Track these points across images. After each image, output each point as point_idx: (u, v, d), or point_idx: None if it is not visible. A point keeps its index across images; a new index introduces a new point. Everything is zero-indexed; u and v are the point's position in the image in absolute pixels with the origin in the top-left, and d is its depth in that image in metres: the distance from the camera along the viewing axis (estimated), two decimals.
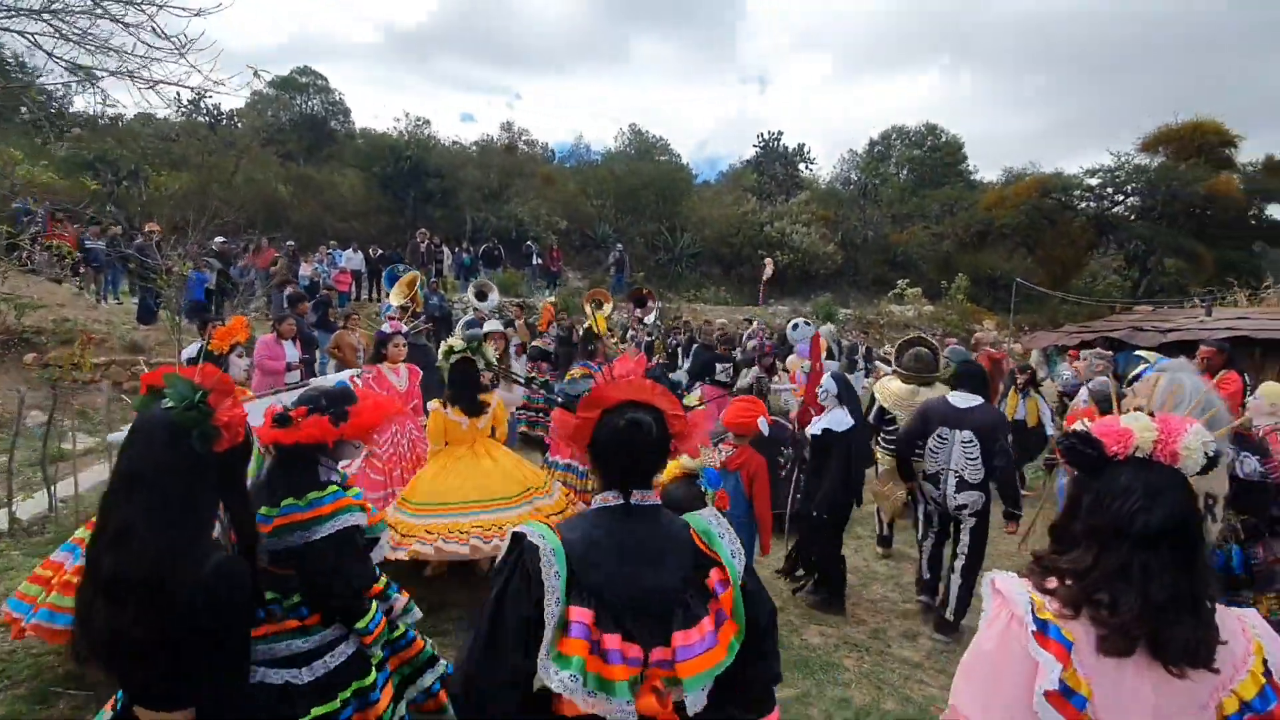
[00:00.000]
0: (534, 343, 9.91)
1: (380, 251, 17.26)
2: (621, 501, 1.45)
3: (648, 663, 1.33)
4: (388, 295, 10.73)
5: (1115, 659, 1.23)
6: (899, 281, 19.86)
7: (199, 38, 4.49)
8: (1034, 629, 1.26)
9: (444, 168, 22.55)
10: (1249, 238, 19.34)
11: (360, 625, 2.14)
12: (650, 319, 14.14)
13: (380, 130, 25.57)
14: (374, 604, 2.23)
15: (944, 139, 29.63)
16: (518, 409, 6.56)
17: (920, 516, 4.36)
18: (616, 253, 18.71)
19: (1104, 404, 6.37)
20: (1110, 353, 9.62)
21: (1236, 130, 19.13)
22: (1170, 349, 12.08)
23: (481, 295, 13.79)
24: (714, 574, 1.40)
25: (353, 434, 2.31)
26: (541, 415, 7.59)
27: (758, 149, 28.01)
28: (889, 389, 5.16)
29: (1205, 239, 18.80)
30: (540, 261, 18.49)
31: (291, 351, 6.71)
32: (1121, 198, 19.22)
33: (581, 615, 1.32)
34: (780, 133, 27.32)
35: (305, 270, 14.33)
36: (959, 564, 4.00)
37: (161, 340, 9.75)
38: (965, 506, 3.97)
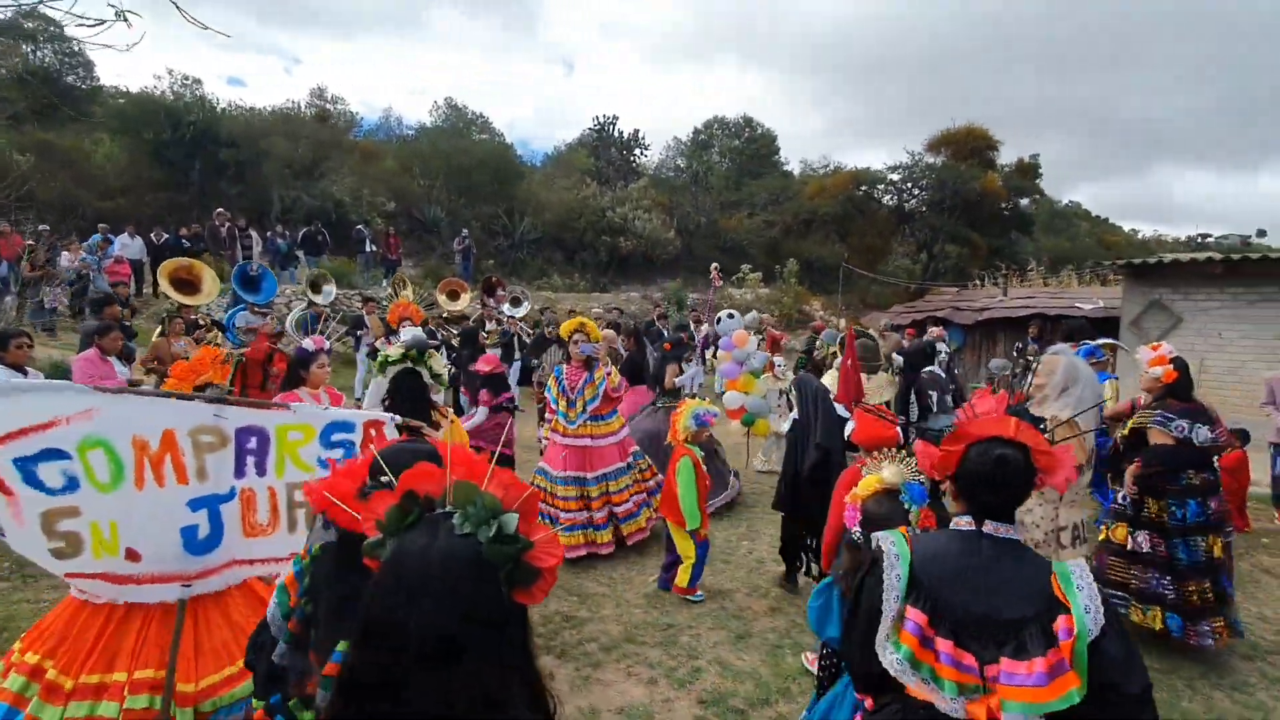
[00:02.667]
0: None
1: (165, 236, 14.39)
2: (974, 528, 1.58)
3: (984, 675, 1.44)
4: (238, 299, 8.86)
5: None
6: (742, 267, 20.79)
7: None
8: None
9: (239, 137, 19.28)
10: (1007, 228, 23.08)
11: None
12: (521, 310, 13.29)
13: (135, 90, 21.14)
14: None
15: (760, 131, 31.53)
16: None
17: None
18: (463, 239, 17.34)
19: (1004, 383, 7.09)
20: (941, 329, 10.74)
21: (997, 136, 22.80)
22: (984, 325, 13.98)
23: (316, 287, 12.04)
24: (1061, 620, 1.43)
25: None
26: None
27: (592, 132, 27.67)
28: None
29: (978, 229, 22.09)
30: (375, 248, 16.58)
31: (122, 369, 5.24)
32: (918, 191, 21.84)
33: (916, 616, 1.51)
34: (615, 117, 27.24)
35: (69, 260, 11.43)
36: None
37: None
38: None
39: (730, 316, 7.15)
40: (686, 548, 4.48)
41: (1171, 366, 3.86)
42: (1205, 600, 3.74)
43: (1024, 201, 23.32)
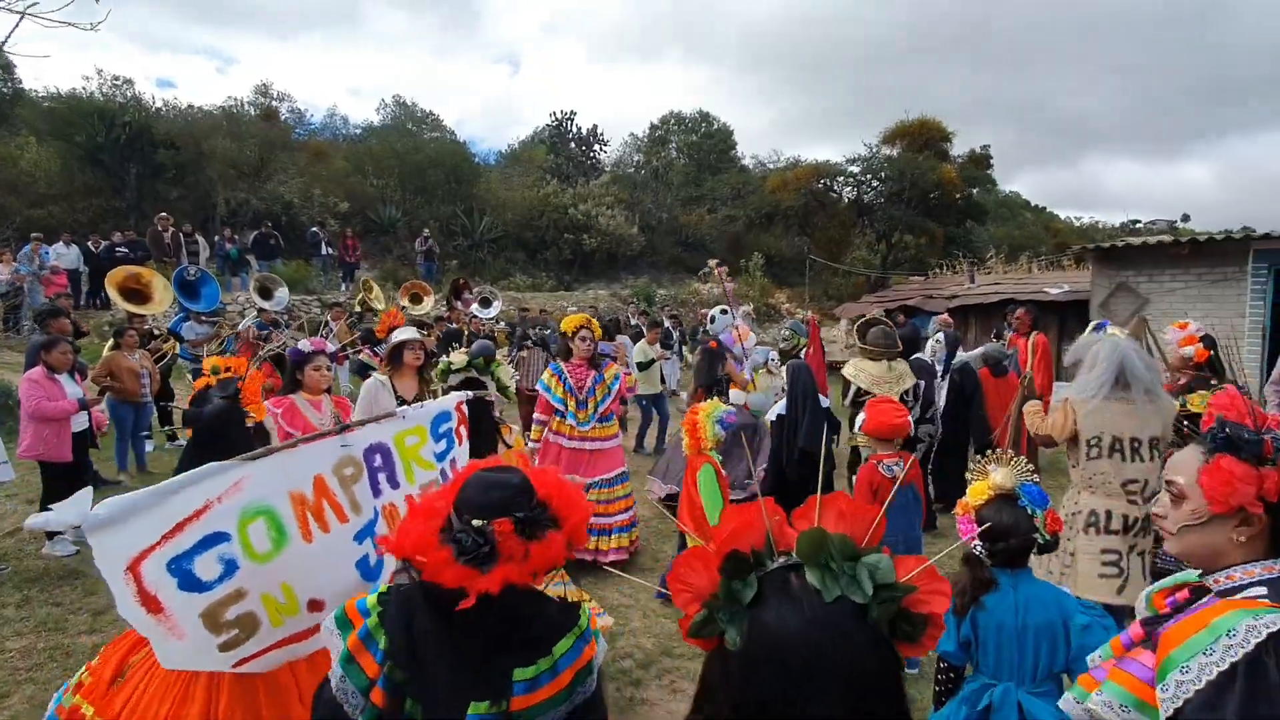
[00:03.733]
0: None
1: (104, 243, 13.50)
2: None
3: None
4: (180, 307, 8.24)
5: None
6: (709, 261, 20.71)
7: None
8: None
9: (179, 138, 18.24)
10: (962, 218, 23.64)
11: None
12: (492, 311, 12.91)
13: (62, 91, 19.78)
14: None
15: (716, 126, 31.57)
16: None
17: None
18: (424, 239, 16.76)
19: (995, 366, 7.09)
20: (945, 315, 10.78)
21: (951, 127, 23.34)
22: (956, 311, 14.20)
23: (266, 292, 11.47)
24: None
25: (577, 542, 1.46)
26: None
27: (550, 128, 27.23)
28: (866, 370, 5.07)
29: (935, 219, 22.57)
30: (331, 251, 15.88)
31: (73, 388, 4.78)
32: (876, 183, 22.16)
33: None
34: (573, 113, 26.85)
35: (1, 273, 10.55)
36: None
37: None
38: None
39: (723, 312, 6.98)
40: None
41: (1202, 345, 3.78)
42: None
43: (976, 191, 23.92)
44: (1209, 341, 3.83)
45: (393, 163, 23.02)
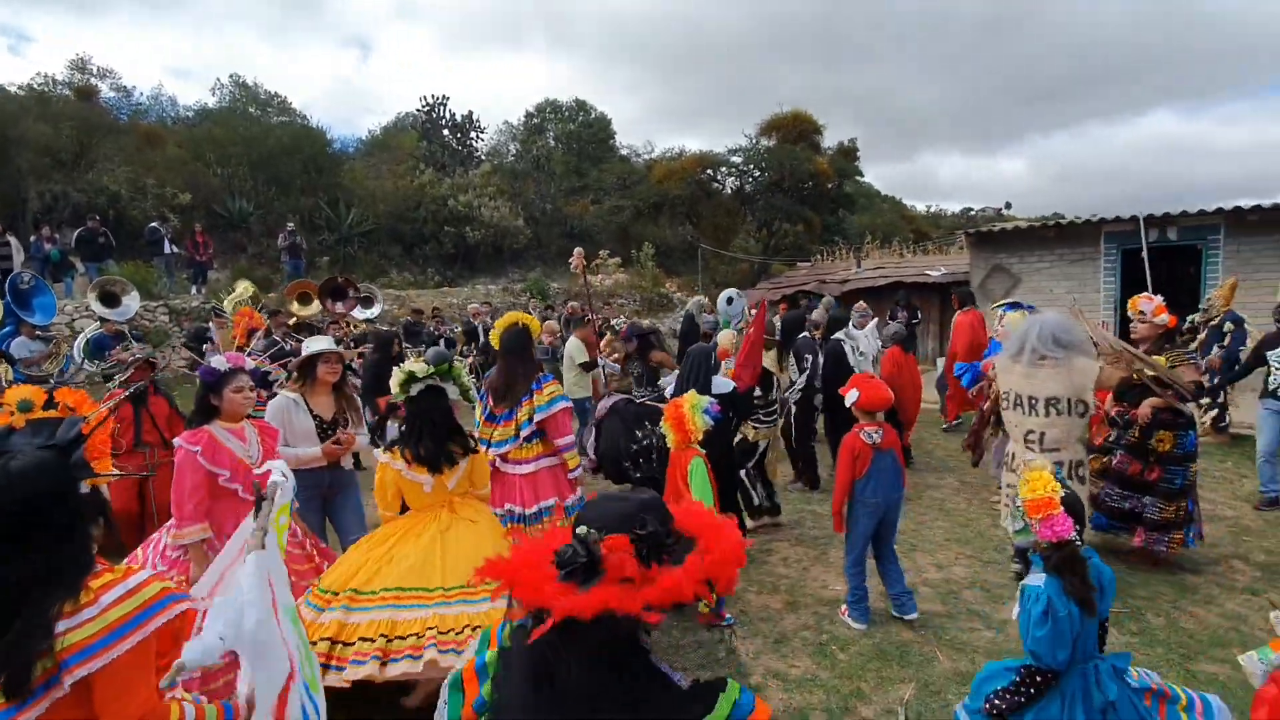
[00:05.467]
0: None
1: None
2: None
3: None
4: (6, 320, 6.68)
5: None
6: (600, 252, 20.43)
7: None
8: None
9: None
10: (835, 206, 24.99)
11: None
12: (374, 311, 11.78)
13: None
14: None
15: (594, 115, 31.17)
16: None
17: None
18: (288, 234, 15.06)
19: (905, 344, 7.38)
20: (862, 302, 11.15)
21: (821, 120, 24.54)
22: (849, 295, 14.84)
23: (111, 299, 9.77)
24: None
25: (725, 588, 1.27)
26: None
27: (421, 113, 25.57)
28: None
29: (811, 207, 23.66)
30: (176, 249, 13.84)
31: None
32: (758, 173, 22.85)
33: None
34: (446, 97, 25.32)
35: None
36: None
37: None
38: None
39: (740, 297, 6.92)
40: None
41: (1170, 314, 4.20)
42: (1177, 517, 4.21)
43: (846, 182, 25.37)
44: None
45: (239, 149, 20.60)
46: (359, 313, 11.88)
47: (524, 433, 3.61)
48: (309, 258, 17.09)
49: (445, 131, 25.28)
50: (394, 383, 2.76)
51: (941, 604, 4.09)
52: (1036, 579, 2.18)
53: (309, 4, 71.37)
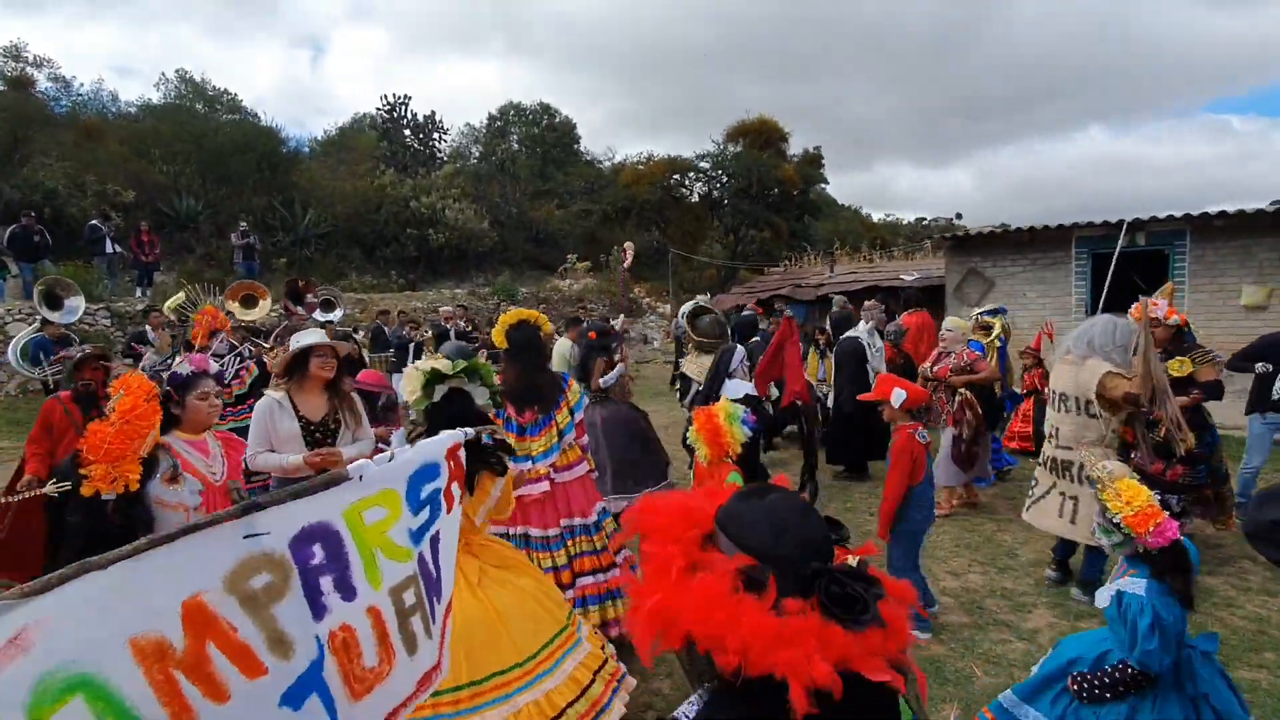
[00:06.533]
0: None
1: None
2: None
3: None
4: None
5: None
6: (569, 256, 20.08)
7: None
8: None
9: None
10: (800, 213, 25.14)
11: None
12: (335, 315, 11.22)
13: None
14: None
15: (559, 118, 30.82)
16: None
17: None
18: (243, 233, 14.29)
19: (898, 339, 7.30)
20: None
21: (789, 128, 24.70)
22: (824, 299, 14.83)
23: (54, 300, 9.06)
24: None
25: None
26: None
27: (381, 113, 24.83)
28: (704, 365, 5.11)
29: (779, 214, 23.76)
30: (119, 249, 12.96)
31: None
32: (726, 179, 22.83)
33: None
34: (408, 97, 24.65)
35: None
36: None
37: None
38: None
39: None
40: None
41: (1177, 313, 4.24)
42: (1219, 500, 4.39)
43: (811, 189, 25.58)
44: None
45: (187, 146, 19.63)
46: (320, 316, 11.31)
47: (568, 437, 3.20)
48: (263, 259, 16.30)
49: (407, 132, 24.61)
50: (411, 386, 2.37)
51: (966, 615, 3.90)
52: (1134, 585, 2.04)
53: (258, 3, 69.02)
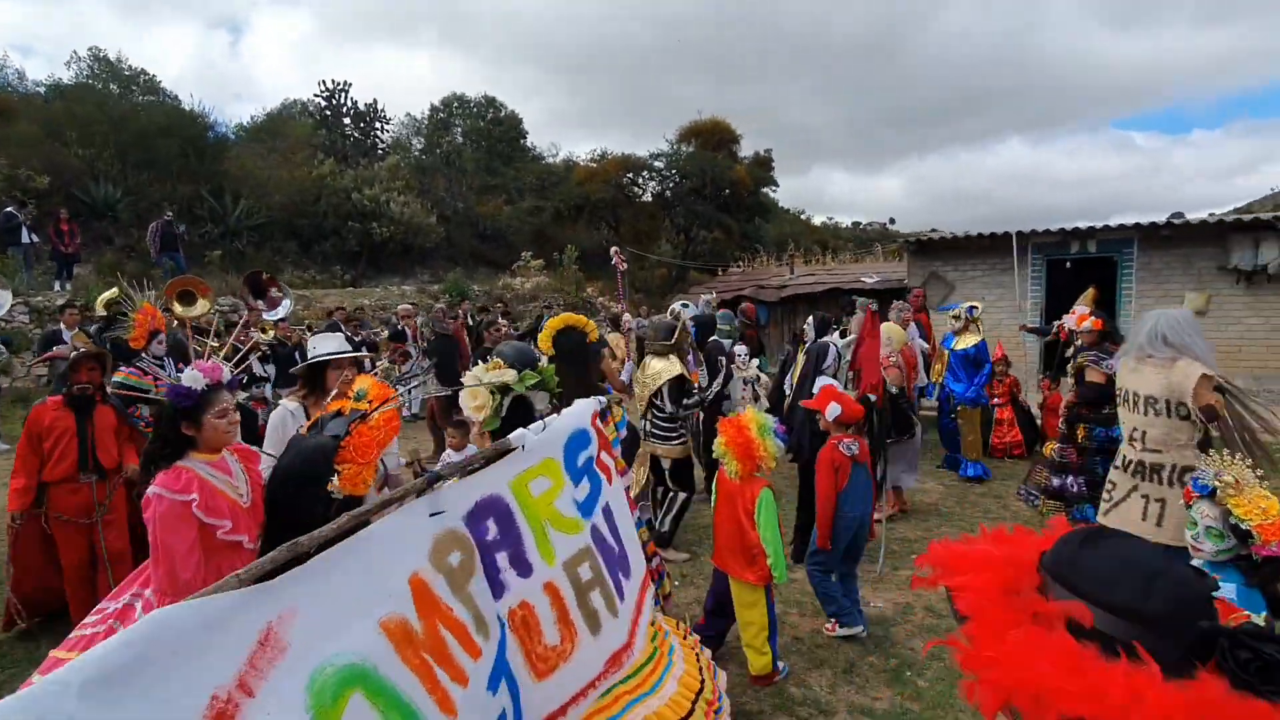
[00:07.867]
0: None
1: None
2: None
3: None
4: None
5: None
6: (524, 254, 19.58)
7: None
8: None
9: None
10: (751, 215, 25.36)
11: None
12: (282, 312, 10.46)
13: None
14: None
15: (504, 112, 30.09)
16: None
17: None
18: (163, 223, 13.12)
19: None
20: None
21: (739, 129, 24.86)
22: (786, 300, 14.95)
23: None
24: None
25: None
26: None
27: (319, 99, 23.60)
28: (664, 369, 5.07)
29: (730, 215, 23.87)
30: (36, 239, 11.72)
31: None
32: (680, 179, 22.76)
33: None
34: (348, 84, 23.49)
35: None
36: None
37: None
38: None
39: (684, 306, 6.37)
40: (754, 613, 3.21)
41: (1094, 318, 4.75)
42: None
43: (763, 191, 25.85)
44: (1099, 313, 4.95)
45: (104, 128, 18.07)
46: (268, 315, 10.54)
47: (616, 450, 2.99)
48: (191, 252, 15.13)
49: (347, 120, 23.47)
50: (475, 403, 2.04)
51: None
52: (1224, 590, 2.04)
53: None
